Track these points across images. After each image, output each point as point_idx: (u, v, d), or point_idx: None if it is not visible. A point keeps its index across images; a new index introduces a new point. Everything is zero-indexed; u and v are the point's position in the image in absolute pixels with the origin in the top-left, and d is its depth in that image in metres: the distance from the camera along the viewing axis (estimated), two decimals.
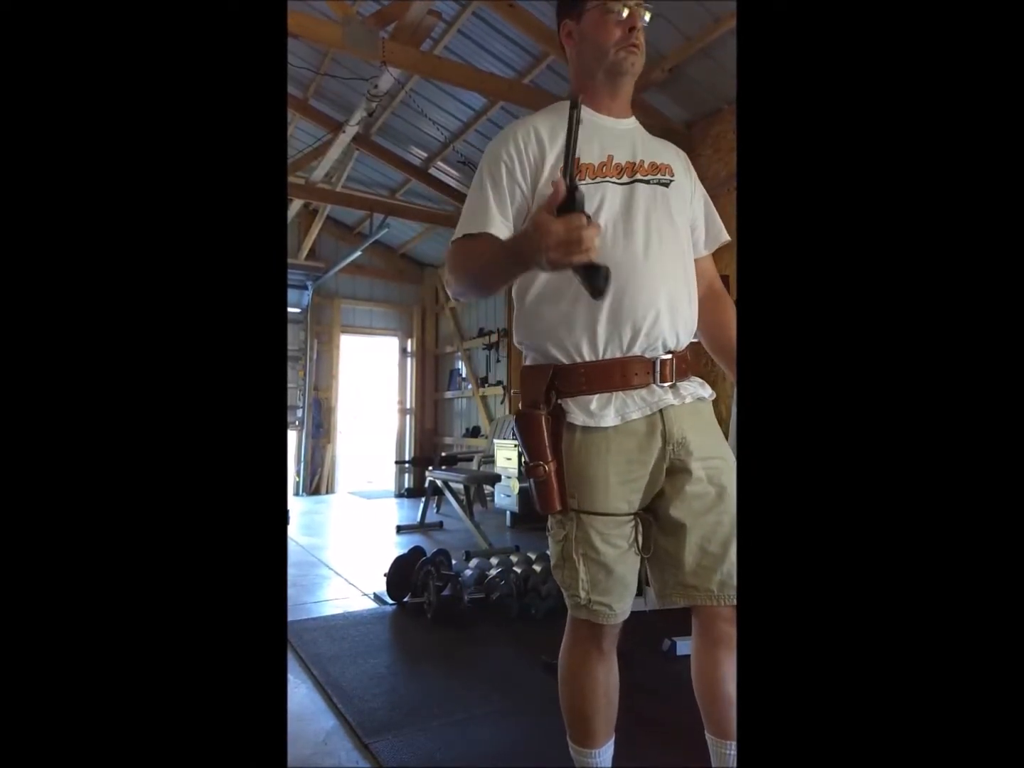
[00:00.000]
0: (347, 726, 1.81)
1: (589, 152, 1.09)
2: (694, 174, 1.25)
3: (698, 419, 1.12)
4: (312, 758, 1.65)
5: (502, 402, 6.70)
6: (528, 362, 1.15)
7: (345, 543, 4.60)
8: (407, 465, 7.44)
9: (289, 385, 6.98)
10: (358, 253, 6.55)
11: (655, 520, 1.11)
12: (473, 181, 1.14)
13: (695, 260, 1.21)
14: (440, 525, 5.10)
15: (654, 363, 1.09)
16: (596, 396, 1.07)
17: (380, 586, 3.06)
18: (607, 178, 1.10)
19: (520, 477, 5.00)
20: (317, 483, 7.34)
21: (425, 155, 5.52)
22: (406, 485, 7.56)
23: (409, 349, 8.09)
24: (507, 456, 5.31)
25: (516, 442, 5.04)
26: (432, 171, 5.66)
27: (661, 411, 1.08)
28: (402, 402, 8.06)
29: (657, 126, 3.79)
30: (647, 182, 1.12)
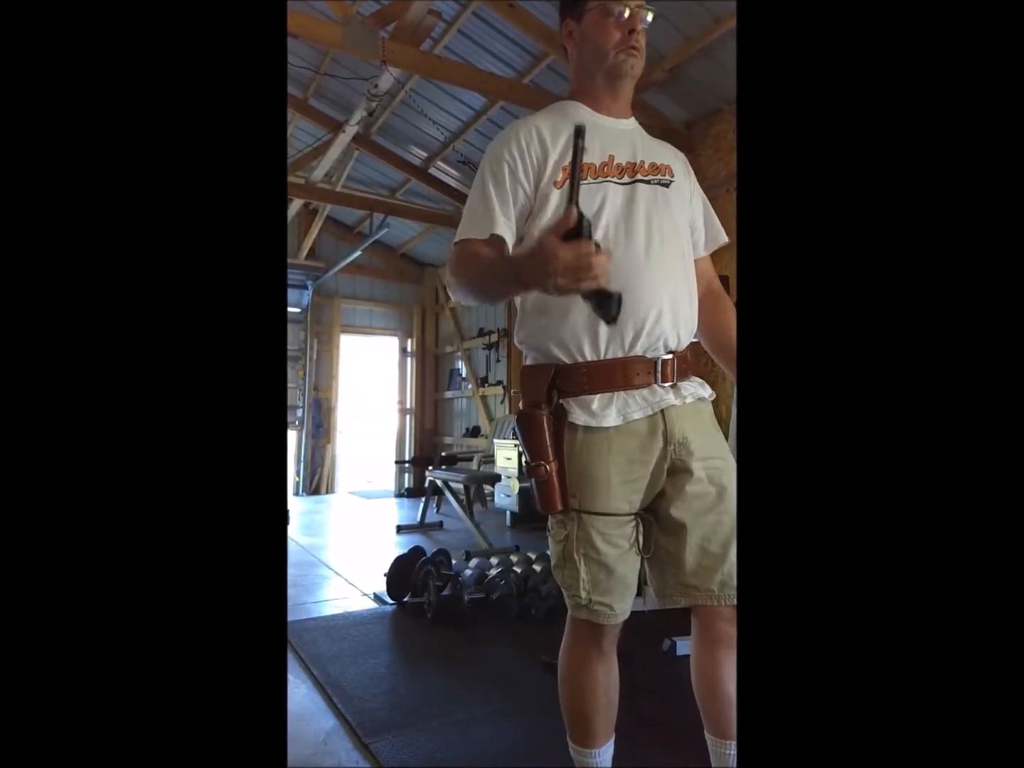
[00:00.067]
0: (347, 726, 1.81)
1: (590, 152, 1.09)
2: (693, 175, 1.25)
3: (699, 419, 1.12)
4: (312, 758, 1.65)
5: (502, 402, 6.70)
6: (529, 362, 1.15)
7: (345, 543, 4.60)
8: (407, 465, 7.44)
9: (289, 385, 6.98)
10: (358, 253, 6.54)
11: (655, 520, 1.11)
12: (474, 182, 1.14)
13: (694, 261, 1.21)
14: (440, 525, 5.10)
15: (655, 363, 1.09)
16: (598, 396, 1.07)
17: (380, 586, 3.06)
18: (608, 178, 1.10)
19: (520, 477, 5.00)
20: (317, 483, 7.34)
21: (425, 155, 5.51)
22: (406, 485, 7.56)
23: (409, 349, 8.09)
24: (507, 456, 5.31)
25: (516, 442, 5.03)
26: (432, 171, 5.66)
27: (662, 411, 1.08)
28: (402, 402, 8.06)
29: (657, 126, 3.79)
30: (648, 182, 1.12)
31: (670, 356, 1.10)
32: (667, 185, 1.15)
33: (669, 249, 1.11)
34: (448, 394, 7.79)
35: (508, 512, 5.23)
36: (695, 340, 1.20)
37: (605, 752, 1.17)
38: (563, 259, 0.85)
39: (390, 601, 2.95)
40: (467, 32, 3.94)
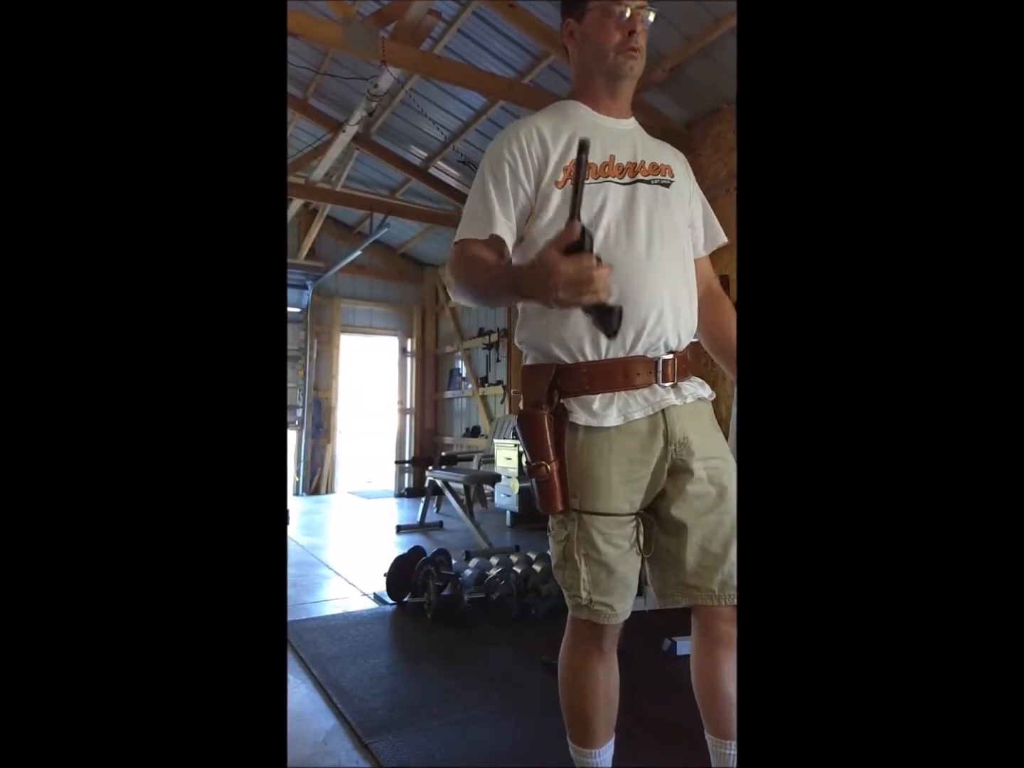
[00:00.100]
0: (347, 726, 1.81)
1: (591, 151, 1.09)
2: (692, 176, 1.25)
3: (699, 419, 1.13)
4: (312, 758, 1.65)
5: (502, 402, 6.70)
6: (529, 362, 1.15)
7: (345, 543, 4.60)
8: (407, 465, 7.44)
9: (289, 385, 6.98)
10: (358, 253, 6.55)
11: (656, 520, 1.11)
12: (474, 181, 1.14)
13: (694, 261, 1.21)
14: (440, 525, 5.10)
15: (656, 363, 1.09)
16: (599, 396, 1.07)
17: (380, 586, 3.06)
18: (609, 178, 1.10)
19: (520, 477, 5.00)
20: (317, 483, 7.34)
21: (425, 155, 5.51)
22: (406, 485, 7.56)
23: (409, 349, 8.09)
24: (507, 456, 5.31)
25: (516, 442, 5.05)
26: (432, 171, 5.66)
27: (663, 411, 1.08)
28: (402, 402, 8.06)
29: (657, 126, 3.79)
30: (648, 182, 1.12)
31: (671, 356, 1.10)
32: (667, 185, 1.15)
33: (670, 249, 1.11)
34: (448, 394, 7.79)
35: (508, 512, 5.23)
36: (695, 340, 1.20)
37: (605, 752, 1.17)
38: (564, 273, 0.85)
39: (390, 601, 2.95)
40: (467, 32, 3.95)
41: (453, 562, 2.99)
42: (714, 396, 1.18)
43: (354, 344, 7.90)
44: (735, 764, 1.09)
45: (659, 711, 1.81)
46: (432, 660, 2.31)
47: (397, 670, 2.24)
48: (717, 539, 1.08)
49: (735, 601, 1.08)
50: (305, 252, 7.02)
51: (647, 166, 1.13)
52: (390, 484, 7.77)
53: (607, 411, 1.06)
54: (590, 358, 1.07)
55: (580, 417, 1.06)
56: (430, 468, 5.21)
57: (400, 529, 4.95)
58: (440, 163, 5.54)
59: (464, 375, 7.42)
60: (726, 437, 1.21)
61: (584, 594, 1.08)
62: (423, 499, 5.17)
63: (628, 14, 1.08)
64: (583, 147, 0.90)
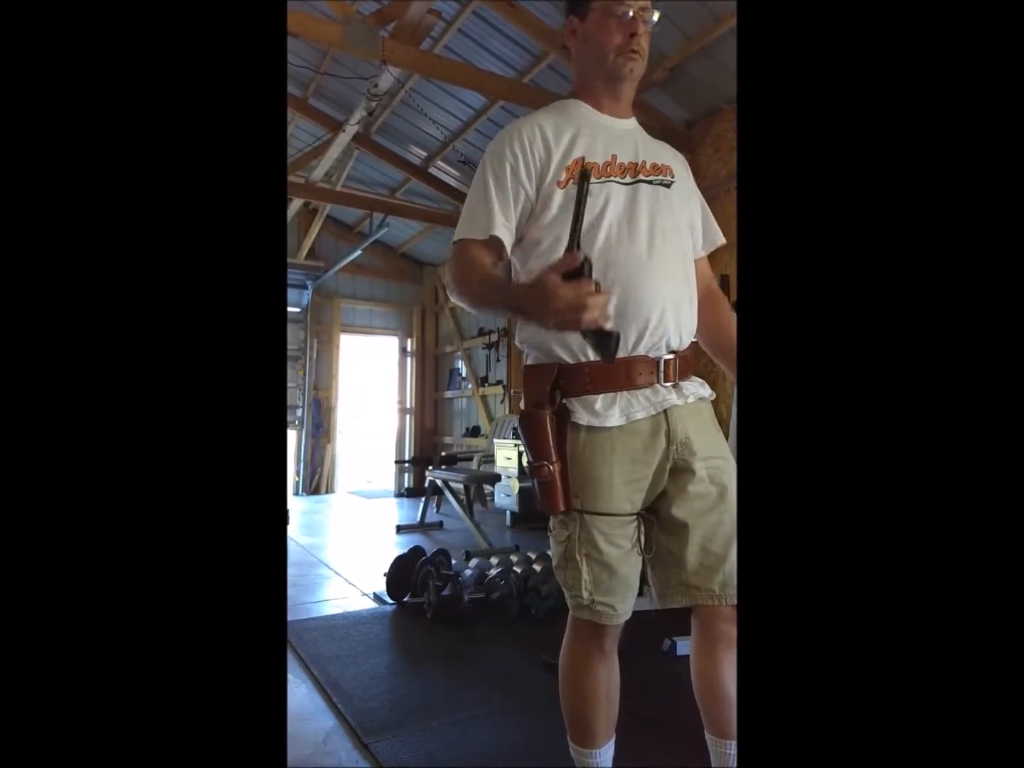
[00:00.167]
0: (347, 726, 1.81)
1: (593, 151, 1.09)
2: (691, 176, 1.25)
3: (700, 419, 1.13)
4: (312, 758, 1.65)
5: (502, 402, 6.70)
6: (531, 361, 1.15)
7: (345, 543, 4.60)
8: (407, 465, 7.44)
9: (289, 385, 6.98)
10: (358, 253, 6.54)
11: (657, 520, 1.11)
12: (475, 179, 1.13)
13: (693, 261, 1.21)
14: (440, 525, 5.10)
15: (658, 363, 1.09)
16: (601, 396, 1.07)
17: (380, 586, 3.06)
18: (611, 178, 1.10)
19: (520, 477, 5.00)
20: (317, 483, 7.34)
21: (425, 154, 5.51)
22: (406, 485, 7.56)
23: (409, 349, 8.09)
24: (507, 456, 5.31)
25: (516, 442, 5.05)
26: (432, 170, 5.66)
27: (665, 411, 1.08)
28: (402, 402, 8.06)
29: (657, 126, 3.79)
30: (650, 182, 1.12)
31: (672, 356, 1.10)
32: (668, 186, 1.15)
33: (671, 249, 1.11)
34: (448, 394, 7.79)
35: (508, 512, 5.23)
36: (694, 340, 1.20)
37: (606, 752, 1.17)
38: (563, 298, 0.86)
39: (390, 601, 2.95)
40: (467, 31, 3.95)
41: (453, 562, 2.99)
42: (714, 396, 1.18)
43: (354, 344, 7.89)
44: (735, 764, 1.09)
45: (659, 711, 1.81)
46: (432, 660, 2.31)
47: (397, 670, 2.24)
48: (718, 539, 1.08)
49: (735, 601, 1.08)
50: (305, 252, 7.02)
51: (648, 166, 1.13)
52: (390, 484, 7.77)
53: (609, 411, 1.06)
54: (592, 358, 1.07)
55: (582, 417, 1.06)
56: (430, 468, 5.21)
57: (400, 529, 4.95)
58: (440, 163, 5.54)
59: (464, 375, 7.42)
60: (726, 437, 1.21)
61: (585, 594, 1.08)
62: (423, 499, 5.17)
63: (631, 15, 1.08)
64: (584, 176, 0.91)
